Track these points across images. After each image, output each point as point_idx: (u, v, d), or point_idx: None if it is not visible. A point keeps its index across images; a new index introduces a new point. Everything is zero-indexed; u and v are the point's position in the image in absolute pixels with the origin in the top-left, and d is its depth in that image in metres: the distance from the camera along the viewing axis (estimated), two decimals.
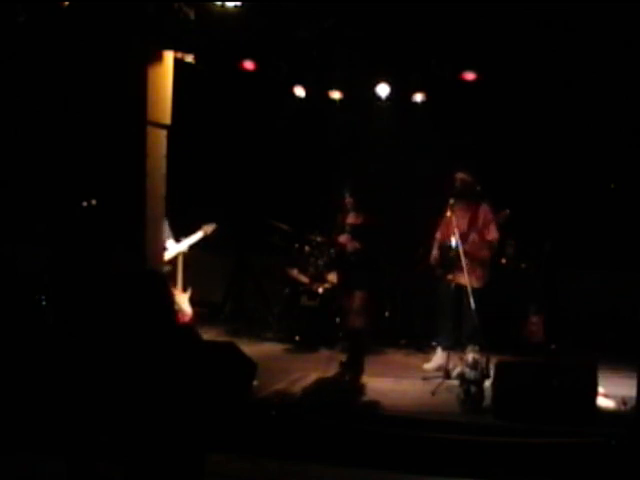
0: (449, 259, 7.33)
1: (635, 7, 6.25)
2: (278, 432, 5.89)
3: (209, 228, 8.44)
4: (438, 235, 7.80)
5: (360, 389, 6.88)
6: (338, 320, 8.88)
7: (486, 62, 7.66)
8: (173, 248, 8.24)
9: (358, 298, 7.16)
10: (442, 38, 7.30)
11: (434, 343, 7.87)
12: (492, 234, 7.53)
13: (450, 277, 7.39)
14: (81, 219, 7.55)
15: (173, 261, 8.22)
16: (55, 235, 7.90)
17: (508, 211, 7.49)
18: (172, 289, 8.06)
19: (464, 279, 7.06)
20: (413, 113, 8.82)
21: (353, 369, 7.17)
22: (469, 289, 6.97)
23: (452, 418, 6.21)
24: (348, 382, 7.08)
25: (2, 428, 5.77)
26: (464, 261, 6.93)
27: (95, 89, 6.88)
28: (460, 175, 7.52)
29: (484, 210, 7.58)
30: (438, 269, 7.61)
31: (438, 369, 7.45)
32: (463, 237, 7.28)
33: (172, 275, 8.23)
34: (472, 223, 7.52)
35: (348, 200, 7.40)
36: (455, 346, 7.36)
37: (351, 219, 7.44)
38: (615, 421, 6.07)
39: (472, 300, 6.91)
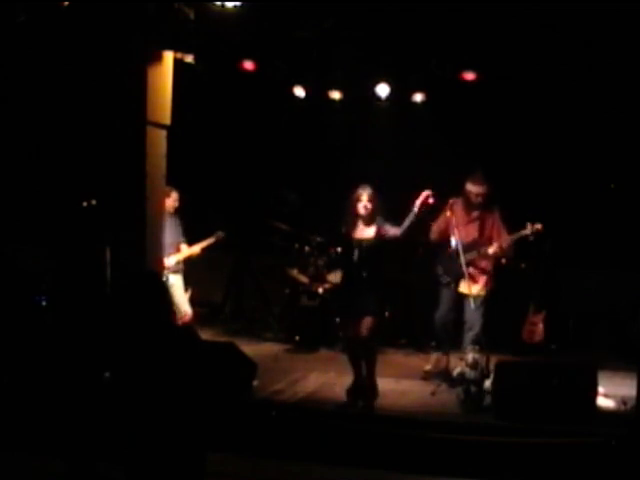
0: (455, 264, 7.17)
1: (635, 8, 6.24)
2: (278, 432, 5.89)
3: (221, 234, 8.66)
4: (436, 235, 7.54)
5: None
6: (338, 320, 8.88)
7: (486, 62, 7.65)
8: (185, 250, 8.41)
9: (367, 324, 6.38)
10: (442, 38, 7.29)
11: (433, 344, 7.83)
12: (504, 243, 7.31)
13: (457, 286, 7.23)
14: (81, 219, 7.55)
15: (186, 260, 8.44)
16: (55, 235, 7.90)
17: (539, 226, 7.22)
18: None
19: (467, 287, 7.01)
20: (413, 113, 8.81)
21: (371, 391, 6.60)
22: (474, 294, 6.96)
23: (452, 418, 6.22)
24: (365, 403, 6.52)
25: (2, 428, 5.77)
26: (463, 261, 6.88)
27: (95, 89, 6.87)
28: (469, 187, 7.32)
29: (493, 217, 7.41)
30: (443, 276, 7.41)
31: (438, 370, 7.45)
32: (474, 246, 7.23)
33: (186, 273, 8.43)
34: (482, 232, 7.36)
35: (365, 206, 6.44)
36: (453, 349, 7.35)
37: (365, 233, 6.52)
38: (615, 421, 6.07)
39: (479, 306, 6.89)
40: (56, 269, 7.62)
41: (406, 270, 8.95)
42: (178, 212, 8.41)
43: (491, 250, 7.30)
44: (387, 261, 6.81)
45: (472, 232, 7.34)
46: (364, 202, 6.45)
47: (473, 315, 7.19)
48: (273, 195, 9.55)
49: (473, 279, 7.06)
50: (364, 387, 6.64)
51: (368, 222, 6.50)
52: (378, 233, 6.47)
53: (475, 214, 7.38)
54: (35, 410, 5.91)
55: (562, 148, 9.04)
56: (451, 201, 7.20)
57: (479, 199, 7.33)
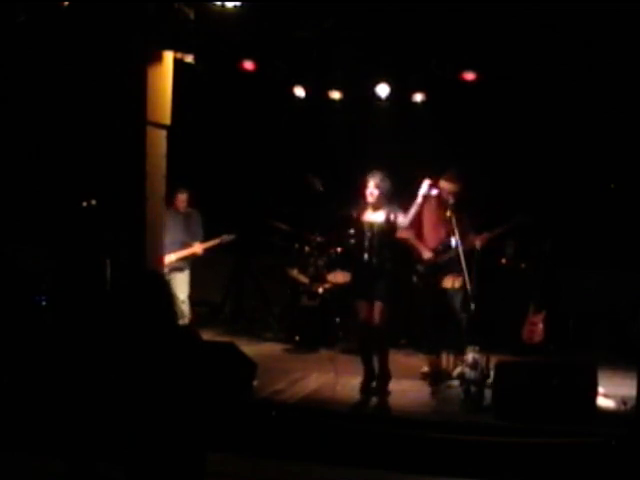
0: (443, 262, 7.17)
1: (635, 7, 6.25)
2: (278, 432, 5.89)
3: (227, 238, 8.75)
4: (411, 237, 7.27)
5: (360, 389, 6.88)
6: (338, 320, 8.89)
7: (486, 62, 7.66)
8: (188, 249, 8.52)
9: (379, 310, 6.65)
10: (442, 38, 7.30)
11: (425, 346, 7.75)
12: (486, 237, 7.27)
13: (441, 283, 7.16)
14: (81, 219, 7.56)
15: (189, 258, 8.59)
16: (55, 235, 7.91)
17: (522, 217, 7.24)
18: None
19: (449, 283, 7.01)
20: (413, 113, 8.81)
21: (383, 376, 6.81)
22: (456, 288, 6.95)
23: (452, 418, 6.21)
24: (379, 389, 6.75)
25: (2, 428, 5.77)
26: (463, 262, 6.85)
27: (95, 89, 6.88)
28: (442, 184, 7.18)
29: (463, 218, 7.20)
30: (424, 275, 7.28)
31: (436, 370, 7.41)
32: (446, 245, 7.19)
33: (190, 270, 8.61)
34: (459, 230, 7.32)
35: (371, 192, 6.66)
36: (440, 349, 7.30)
37: (374, 217, 6.73)
38: (615, 421, 6.07)
39: (463, 298, 6.89)
40: (56, 269, 7.63)
41: (407, 270, 8.93)
42: (190, 211, 8.61)
43: (477, 245, 7.22)
44: (394, 259, 6.84)
45: (444, 231, 7.20)
46: (370, 189, 6.69)
47: (458, 307, 7.15)
48: (265, 224, 9.57)
49: (455, 275, 7.02)
50: (375, 381, 6.77)
51: (376, 207, 6.72)
52: (387, 218, 6.69)
53: (448, 213, 7.14)
54: (35, 410, 5.91)
55: (562, 148, 9.04)
56: (451, 201, 7.16)
57: (450, 197, 7.24)
